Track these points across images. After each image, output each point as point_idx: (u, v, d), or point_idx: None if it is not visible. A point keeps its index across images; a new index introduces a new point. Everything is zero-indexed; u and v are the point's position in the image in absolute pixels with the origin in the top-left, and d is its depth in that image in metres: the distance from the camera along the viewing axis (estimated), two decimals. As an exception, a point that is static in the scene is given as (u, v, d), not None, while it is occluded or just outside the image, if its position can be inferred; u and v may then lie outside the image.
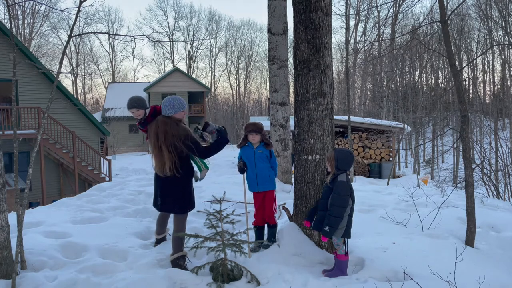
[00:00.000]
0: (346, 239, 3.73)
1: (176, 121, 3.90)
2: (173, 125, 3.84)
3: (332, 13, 4.32)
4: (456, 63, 6.62)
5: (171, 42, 57.49)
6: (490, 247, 4.46)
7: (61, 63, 4.30)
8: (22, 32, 41.08)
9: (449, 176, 17.51)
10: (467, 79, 38.99)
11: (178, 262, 3.83)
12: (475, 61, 37.66)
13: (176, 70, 38.56)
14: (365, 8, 34.48)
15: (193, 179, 4.12)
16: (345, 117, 16.42)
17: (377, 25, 35.70)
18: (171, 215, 4.37)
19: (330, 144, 4.20)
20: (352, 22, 37.52)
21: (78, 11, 4.50)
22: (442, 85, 39.22)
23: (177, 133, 3.80)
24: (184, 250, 3.91)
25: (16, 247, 3.60)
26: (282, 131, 5.77)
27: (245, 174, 4.31)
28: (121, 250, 4.23)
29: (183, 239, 3.85)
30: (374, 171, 19.59)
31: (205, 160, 4.43)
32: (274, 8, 5.76)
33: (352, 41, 34.70)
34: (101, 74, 59.43)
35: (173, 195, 3.93)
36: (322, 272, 3.75)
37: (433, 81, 40.87)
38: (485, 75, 43.04)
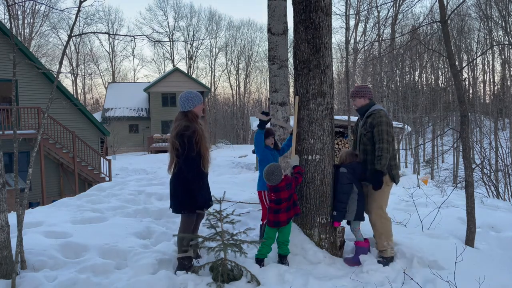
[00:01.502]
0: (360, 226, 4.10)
1: (193, 117, 3.84)
2: (182, 121, 3.80)
3: (332, 13, 4.32)
4: (456, 63, 6.62)
5: (171, 42, 57.46)
6: (490, 247, 4.46)
7: (61, 63, 4.30)
8: (22, 32, 41.06)
9: (449, 176, 17.52)
10: (467, 79, 39.00)
11: (183, 262, 3.82)
12: (475, 61, 37.68)
13: (176, 70, 38.56)
14: (365, 8, 34.43)
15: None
16: (345, 117, 16.43)
17: (377, 25, 35.67)
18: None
19: (330, 144, 4.20)
20: (352, 22, 37.48)
21: (78, 11, 4.50)
22: (442, 85, 39.21)
23: (181, 127, 3.73)
24: (190, 251, 3.87)
25: (16, 247, 3.60)
26: (282, 131, 5.77)
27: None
28: (121, 250, 4.23)
29: (189, 240, 3.79)
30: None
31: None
32: (274, 8, 5.76)
33: (352, 41, 34.65)
34: (101, 74, 59.48)
35: (174, 193, 3.91)
36: (343, 260, 4.05)
37: (433, 81, 40.87)
38: (485, 75, 43.10)
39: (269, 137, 4.53)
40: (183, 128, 3.73)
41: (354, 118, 16.07)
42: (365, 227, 4.25)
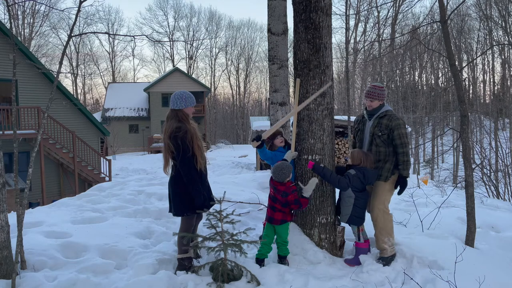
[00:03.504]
0: (360, 227, 4.07)
1: (183, 116, 3.80)
2: (173, 121, 3.76)
3: (332, 13, 4.32)
4: (456, 63, 6.62)
5: (171, 42, 57.52)
6: (490, 247, 4.46)
7: (61, 63, 4.30)
8: (22, 32, 41.07)
9: (449, 176, 17.50)
10: (467, 79, 38.99)
11: (183, 262, 3.82)
12: (475, 61, 37.66)
13: (176, 70, 38.57)
14: (365, 8, 34.46)
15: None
16: (345, 117, 16.42)
17: (377, 25, 35.74)
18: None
19: (330, 144, 4.20)
20: (352, 22, 37.54)
21: (78, 11, 4.50)
22: (442, 85, 39.21)
23: (173, 129, 3.70)
24: (190, 252, 3.88)
25: (16, 247, 3.61)
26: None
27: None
28: (121, 250, 4.23)
29: (188, 240, 3.80)
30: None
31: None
32: (274, 8, 5.76)
33: (352, 41, 34.68)
34: (101, 74, 59.55)
35: (172, 196, 3.90)
36: (344, 261, 4.03)
37: (433, 81, 40.86)
38: (485, 75, 43.07)
39: (277, 137, 4.51)
40: (174, 129, 3.69)
41: (354, 118, 16.05)
42: (366, 227, 4.25)
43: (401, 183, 4.04)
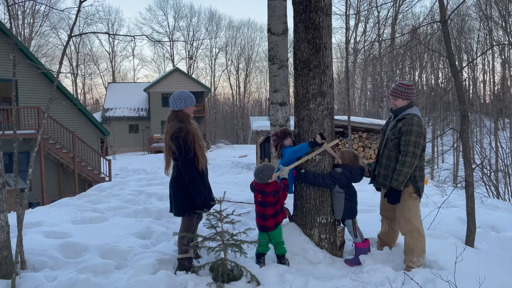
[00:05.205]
0: (354, 224, 4.05)
1: (184, 116, 3.79)
2: (174, 122, 3.76)
3: (332, 13, 4.32)
4: (456, 63, 6.61)
5: (171, 42, 57.55)
6: (490, 247, 4.46)
7: (61, 63, 4.30)
8: (22, 32, 41.06)
9: (449, 176, 17.48)
10: (467, 79, 38.98)
11: (183, 262, 3.82)
12: (475, 61, 37.63)
13: (176, 70, 38.58)
14: (365, 8, 34.45)
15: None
16: (345, 117, 16.40)
17: (377, 25, 35.75)
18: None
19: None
20: (352, 22, 37.55)
21: (78, 11, 4.50)
22: (442, 85, 39.19)
23: (174, 130, 3.69)
24: (190, 252, 3.88)
25: (16, 247, 3.61)
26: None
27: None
28: (121, 250, 4.23)
29: (189, 240, 3.80)
30: (374, 171, 19.48)
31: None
32: (274, 8, 5.76)
33: (352, 41, 34.69)
34: (101, 74, 59.55)
35: (173, 196, 3.89)
36: (344, 261, 4.02)
37: (433, 81, 40.84)
38: (485, 75, 43.04)
39: (287, 138, 4.50)
40: (176, 130, 3.69)
41: (354, 118, 16.02)
42: (366, 227, 4.26)
43: (388, 194, 3.78)
